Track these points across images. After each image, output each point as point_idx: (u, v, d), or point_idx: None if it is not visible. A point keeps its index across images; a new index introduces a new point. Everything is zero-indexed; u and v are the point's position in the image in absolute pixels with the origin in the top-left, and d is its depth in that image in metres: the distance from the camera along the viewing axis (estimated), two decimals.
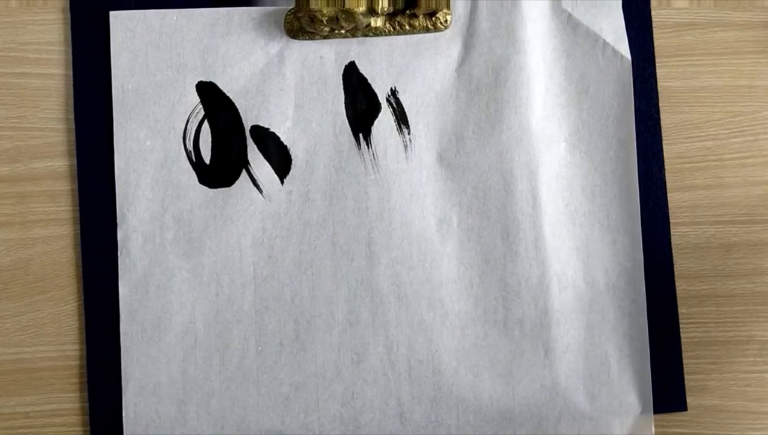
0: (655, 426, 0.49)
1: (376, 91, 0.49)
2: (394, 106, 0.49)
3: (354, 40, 0.49)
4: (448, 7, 0.49)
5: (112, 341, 0.48)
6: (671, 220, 0.50)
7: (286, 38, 0.49)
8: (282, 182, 0.49)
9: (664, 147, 0.50)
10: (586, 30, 0.50)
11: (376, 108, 0.49)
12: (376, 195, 0.49)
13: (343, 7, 0.47)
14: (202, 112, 0.49)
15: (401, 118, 0.49)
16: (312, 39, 0.49)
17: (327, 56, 0.49)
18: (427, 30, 0.49)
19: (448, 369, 0.48)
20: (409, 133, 0.49)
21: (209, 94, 0.49)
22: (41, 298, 0.49)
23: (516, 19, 0.49)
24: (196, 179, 0.49)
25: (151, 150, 0.49)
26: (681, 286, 0.50)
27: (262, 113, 0.49)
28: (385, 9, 0.48)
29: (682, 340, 0.49)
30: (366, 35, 0.49)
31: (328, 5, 0.47)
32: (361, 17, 0.47)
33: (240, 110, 0.49)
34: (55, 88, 0.49)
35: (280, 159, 0.49)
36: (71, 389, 0.49)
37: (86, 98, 0.49)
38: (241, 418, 0.48)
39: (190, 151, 0.49)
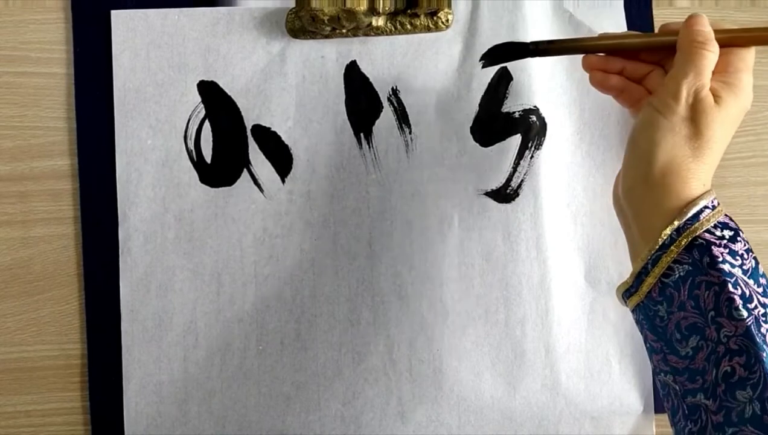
0: (656, 426, 0.49)
1: (378, 90, 0.49)
2: (396, 105, 0.49)
3: (355, 39, 0.49)
4: (449, 6, 0.48)
5: (113, 340, 0.48)
6: None
7: (287, 38, 0.49)
8: (283, 181, 0.49)
9: None
10: (588, 30, 0.50)
11: (377, 107, 0.49)
12: (377, 194, 0.49)
13: (345, 6, 0.47)
14: (204, 112, 0.49)
15: (402, 118, 0.49)
16: (313, 38, 0.49)
17: (328, 56, 0.49)
18: (428, 29, 0.49)
19: (449, 368, 0.48)
20: (410, 133, 0.49)
21: (210, 93, 0.49)
22: (42, 297, 0.49)
23: (517, 20, 0.49)
24: (198, 178, 0.49)
25: (152, 149, 0.49)
26: None
27: (264, 112, 0.49)
28: (387, 8, 0.48)
29: None
30: (367, 35, 0.49)
31: (329, 5, 0.47)
32: (362, 16, 0.47)
33: (241, 109, 0.49)
34: (57, 87, 0.49)
35: (282, 158, 0.49)
36: (72, 388, 0.49)
37: (87, 97, 0.49)
38: (242, 417, 0.48)
39: (192, 151, 0.49)
